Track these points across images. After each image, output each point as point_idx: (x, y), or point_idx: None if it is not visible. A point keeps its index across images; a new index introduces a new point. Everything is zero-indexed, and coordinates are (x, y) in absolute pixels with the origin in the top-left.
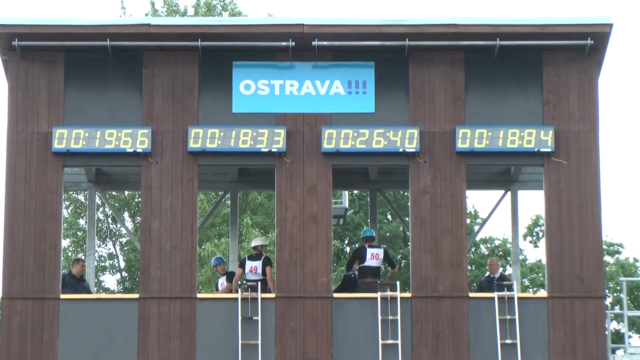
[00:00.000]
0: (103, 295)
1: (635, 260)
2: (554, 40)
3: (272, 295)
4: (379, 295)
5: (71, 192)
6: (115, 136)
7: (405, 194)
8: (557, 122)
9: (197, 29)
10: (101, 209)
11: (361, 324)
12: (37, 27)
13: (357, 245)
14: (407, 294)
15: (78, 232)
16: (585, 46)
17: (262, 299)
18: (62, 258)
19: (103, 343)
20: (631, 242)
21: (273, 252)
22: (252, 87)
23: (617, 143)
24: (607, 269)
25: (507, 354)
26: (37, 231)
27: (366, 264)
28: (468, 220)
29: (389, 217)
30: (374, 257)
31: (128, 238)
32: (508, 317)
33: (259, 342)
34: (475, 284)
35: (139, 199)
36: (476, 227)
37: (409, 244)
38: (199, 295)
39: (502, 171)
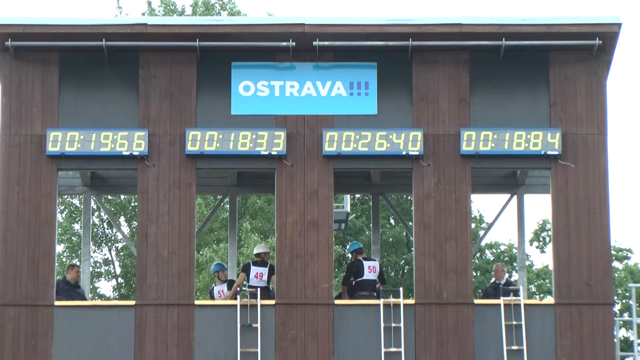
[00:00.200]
0: (98, 302)
1: None
2: (561, 40)
3: (272, 302)
4: (381, 302)
5: (66, 196)
6: (111, 139)
7: (409, 198)
8: (565, 124)
9: (195, 29)
10: (96, 214)
11: (363, 331)
12: (31, 27)
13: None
14: (411, 301)
15: (73, 237)
16: (593, 46)
17: (261, 305)
18: (57, 264)
19: (98, 351)
20: None
21: (273, 257)
22: (252, 89)
23: (625, 145)
24: (616, 274)
25: None
26: (31, 236)
27: (365, 277)
28: (473, 225)
29: (392, 221)
30: (371, 270)
31: (124, 243)
32: (514, 323)
33: (259, 350)
34: (480, 291)
35: (135, 203)
36: (481, 232)
37: (412, 249)
38: (197, 302)
39: (508, 175)
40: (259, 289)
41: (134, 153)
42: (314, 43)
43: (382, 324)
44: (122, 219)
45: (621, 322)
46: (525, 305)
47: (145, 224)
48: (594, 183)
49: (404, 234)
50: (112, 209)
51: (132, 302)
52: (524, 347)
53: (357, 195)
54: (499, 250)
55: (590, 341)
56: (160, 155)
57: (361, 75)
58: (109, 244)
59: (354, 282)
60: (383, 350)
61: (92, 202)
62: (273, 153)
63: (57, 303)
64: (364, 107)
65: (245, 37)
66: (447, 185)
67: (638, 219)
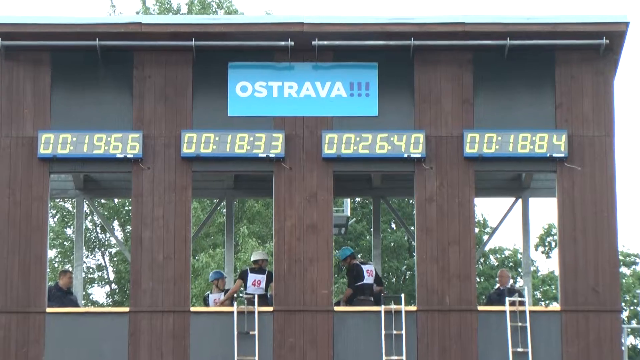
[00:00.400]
0: (91, 309)
1: None
2: (567, 39)
3: (270, 308)
4: (382, 308)
5: (58, 200)
6: (104, 141)
7: (411, 201)
8: (571, 126)
9: (191, 28)
10: (89, 218)
11: (364, 338)
12: (22, 26)
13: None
14: (413, 307)
15: (65, 242)
16: (600, 46)
17: (259, 312)
18: (48, 269)
19: (91, 359)
20: None
21: (271, 263)
22: (249, 89)
23: (633, 147)
24: (624, 280)
25: None
26: (22, 241)
27: (365, 281)
28: (477, 230)
29: (393, 226)
30: (369, 274)
31: (118, 248)
32: (519, 329)
33: (256, 358)
34: (484, 297)
35: (130, 207)
36: (485, 237)
37: (414, 254)
38: (192, 309)
39: (513, 177)
40: (256, 296)
41: (128, 155)
42: (313, 42)
43: (383, 331)
44: (115, 223)
45: (629, 330)
46: (530, 312)
47: (140, 228)
48: (601, 186)
49: (406, 238)
50: (106, 213)
51: (126, 309)
52: (529, 354)
53: (358, 199)
54: (503, 256)
55: (597, 349)
56: (155, 157)
57: (361, 76)
58: (102, 249)
59: (356, 286)
60: (384, 358)
61: (85, 206)
62: (271, 155)
63: (48, 310)
64: (365, 108)
65: (242, 37)
66: (450, 188)
67: None
